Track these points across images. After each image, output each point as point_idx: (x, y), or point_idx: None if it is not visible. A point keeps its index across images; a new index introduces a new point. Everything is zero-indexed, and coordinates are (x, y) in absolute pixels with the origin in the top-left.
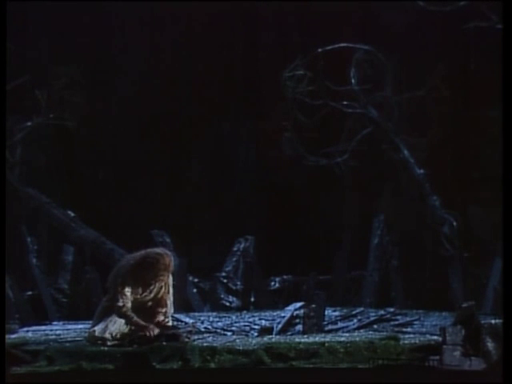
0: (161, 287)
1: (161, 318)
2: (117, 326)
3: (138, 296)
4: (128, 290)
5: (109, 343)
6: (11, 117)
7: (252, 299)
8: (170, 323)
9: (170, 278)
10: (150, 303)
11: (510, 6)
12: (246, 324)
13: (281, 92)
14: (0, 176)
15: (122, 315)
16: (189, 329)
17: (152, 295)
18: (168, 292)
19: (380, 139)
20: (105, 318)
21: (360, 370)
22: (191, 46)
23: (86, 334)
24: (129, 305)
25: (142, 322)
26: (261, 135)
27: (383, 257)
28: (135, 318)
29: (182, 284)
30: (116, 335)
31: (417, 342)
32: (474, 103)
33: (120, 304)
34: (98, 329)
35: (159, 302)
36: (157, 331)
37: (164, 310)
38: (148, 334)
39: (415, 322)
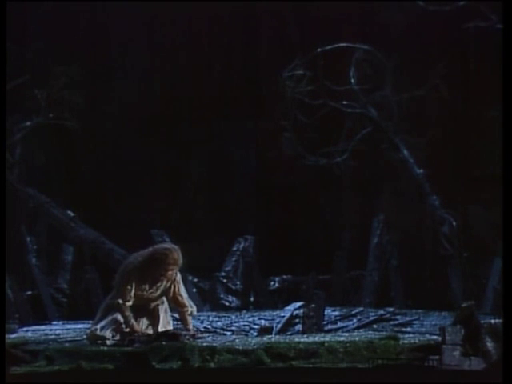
0: (169, 285)
1: (184, 309)
2: (118, 324)
3: (145, 293)
4: (131, 288)
5: (108, 342)
6: (11, 116)
7: (251, 299)
8: (194, 311)
9: (179, 275)
10: (158, 301)
11: (510, 6)
12: (246, 324)
13: (280, 92)
14: (0, 176)
15: (120, 312)
16: (191, 333)
17: (159, 292)
18: (179, 289)
19: (379, 139)
20: (107, 316)
21: (359, 370)
22: (191, 46)
23: (88, 332)
24: (129, 303)
25: (137, 327)
26: (260, 135)
27: (383, 256)
28: (132, 321)
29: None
30: (116, 334)
31: (416, 341)
32: (473, 103)
33: (120, 301)
34: (99, 327)
35: (172, 299)
36: (144, 338)
37: (185, 309)
38: (135, 338)
39: (415, 322)
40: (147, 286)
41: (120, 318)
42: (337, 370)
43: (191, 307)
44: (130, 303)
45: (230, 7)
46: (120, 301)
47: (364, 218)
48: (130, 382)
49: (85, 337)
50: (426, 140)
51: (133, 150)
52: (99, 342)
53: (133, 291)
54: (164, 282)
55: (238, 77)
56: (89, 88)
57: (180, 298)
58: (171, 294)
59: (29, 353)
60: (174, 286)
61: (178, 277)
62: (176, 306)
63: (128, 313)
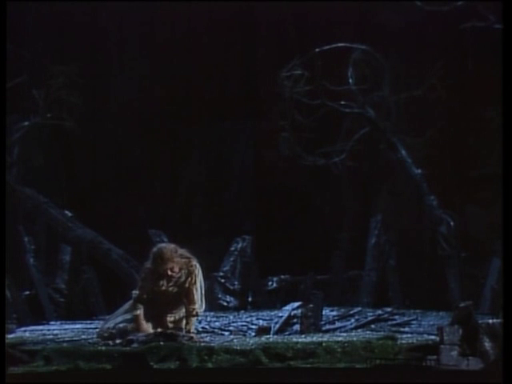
0: (187, 277)
1: (190, 307)
2: (122, 326)
3: (163, 288)
4: (147, 284)
5: (117, 341)
6: (9, 116)
7: (249, 299)
8: (200, 312)
9: (198, 268)
10: (175, 293)
11: (510, 6)
12: (244, 324)
13: (278, 92)
14: (0, 176)
15: (135, 303)
16: (191, 335)
17: (178, 284)
18: (195, 282)
19: (377, 139)
20: (117, 316)
21: (357, 370)
22: (189, 46)
23: (98, 330)
24: (144, 296)
25: (142, 321)
26: (258, 135)
27: (381, 256)
28: (139, 313)
29: None
30: (119, 336)
31: (414, 341)
32: (471, 103)
33: (141, 296)
34: (106, 327)
35: (186, 293)
36: (150, 331)
37: (193, 307)
38: (134, 338)
39: (413, 322)
40: (165, 282)
41: (127, 319)
42: (335, 370)
43: (200, 306)
44: (144, 296)
45: (229, 7)
46: (142, 296)
47: (362, 217)
48: (128, 382)
49: (83, 337)
50: (424, 140)
51: (131, 149)
52: (105, 341)
53: (147, 287)
54: (183, 275)
55: (236, 77)
56: (87, 88)
57: (194, 291)
58: (186, 285)
59: (26, 353)
60: (191, 278)
61: (197, 270)
62: (187, 300)
63: (138, 307)
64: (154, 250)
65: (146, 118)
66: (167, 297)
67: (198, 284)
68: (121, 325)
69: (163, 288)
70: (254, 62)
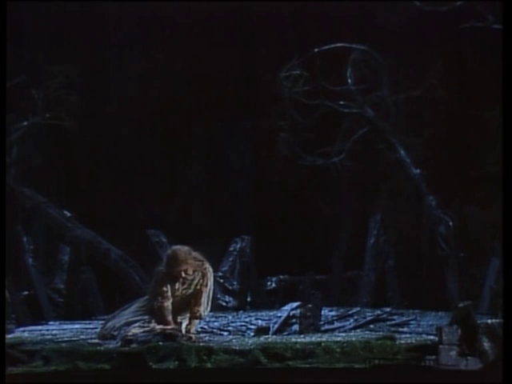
0: (200, 279)
1: (195, 308)
2: (128, 327)
3: (179, 292)
4: (166, 290)
5: (117, 342)
6: (7, 116)
7: (248, 299)
8: (204, 315)
9: (210, 270)
10: (188, 296)
11: (509, 6)
12: (243, 324)
13: (277, 92)
14: (0, 177)
15: (159, 313)
16: (190, 335)
17: (192, 287)
18: (206, 285)
19: (376, 139)
20: (123, 316)
21: (356, 370)
22: (188, 46)
23: (99, 330)
24: (167, 303)
25: (168, 320)
26: (257, 135)
27: (379, 256)
28: (170, 319)
29: None
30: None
31: (413, 341)
32: (470, 103)
33: (158, 304)
34: (110, 326)
35: (196, 293)
36: (141, 338)
37: (197, 309)
38: (132, 338)
39: (411, 322)
40: (178, 284)
41: (130, 321)
42: (334, 370)
43: (205, 309)
44: (167, 303)
45: (228, 7)
46: (157, 303)
47: (361, 218)
48: (127, 382)
49: (82, 337)
50: (423, 140)
51: (130, 149)
52: (105, 341)
53: (169, 292)
54: (196, 277)
55: (235, 77)
56: (86, 88)
57: (203, 293)
58: (198, 287)
59: (25, 353)
60: (203, 281)
61: (210, 273)
62: (193, 301)
63: (166, 312)
64: (168, 252)
65: (145, 118)
66: (179, 299)
67: (208, 287)
68: (123, 326)
69: (177, 291)
70: (253, 62)
